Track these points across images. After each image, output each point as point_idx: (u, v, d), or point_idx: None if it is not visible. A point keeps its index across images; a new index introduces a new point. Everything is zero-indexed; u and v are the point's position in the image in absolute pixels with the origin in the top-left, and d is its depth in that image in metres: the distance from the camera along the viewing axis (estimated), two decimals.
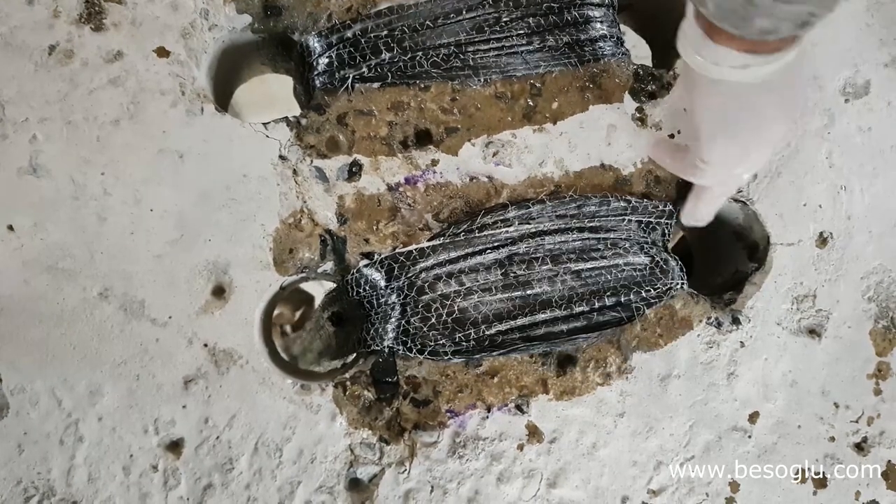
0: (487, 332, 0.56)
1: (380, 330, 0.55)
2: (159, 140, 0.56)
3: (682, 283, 0.58)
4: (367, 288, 0.56)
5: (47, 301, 0.54)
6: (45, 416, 0.53)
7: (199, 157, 0.56)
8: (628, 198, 0.58)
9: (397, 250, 0.56)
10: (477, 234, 0.56)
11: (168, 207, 0.55)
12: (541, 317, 0.56)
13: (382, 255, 0.56)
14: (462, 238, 0.56)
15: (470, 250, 0.56)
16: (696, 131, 0.48)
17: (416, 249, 0.56)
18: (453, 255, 0.56)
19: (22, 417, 0.53)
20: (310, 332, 0.58)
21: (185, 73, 0.57)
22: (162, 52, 0.57)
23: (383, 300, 0.56)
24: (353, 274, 0.56)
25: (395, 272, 0.56)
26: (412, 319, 0.56)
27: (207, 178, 0.56)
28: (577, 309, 0.57)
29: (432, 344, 0.55)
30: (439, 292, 0.56)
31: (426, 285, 0.56)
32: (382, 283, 0.56)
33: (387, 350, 0.55)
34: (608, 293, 0.57)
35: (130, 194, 0.55)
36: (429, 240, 0.56)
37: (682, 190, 0.59)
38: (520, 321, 0.56)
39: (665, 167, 0.57)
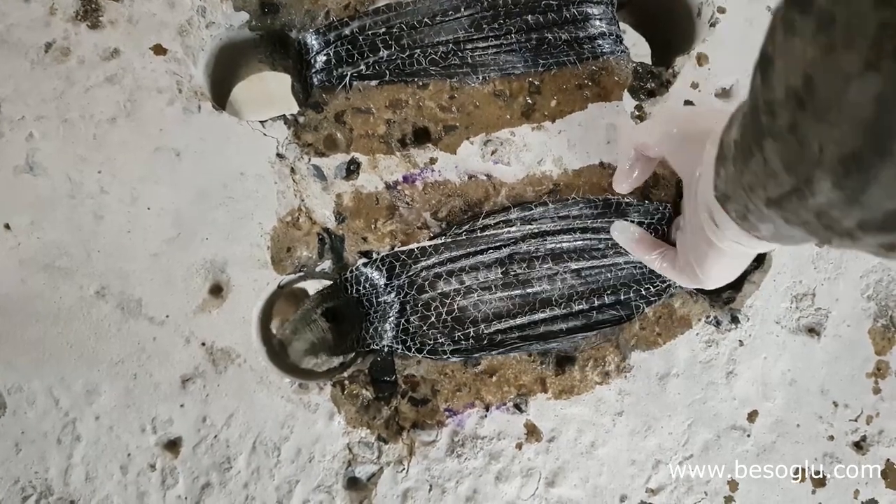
0: (486, 331, 0.56)
1: (378, 328, 0.55)
2: (156, 138, 0.56)
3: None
4: (367, 286, 0.56)
5: (44, 300, 0.54)
6: (43, 415, 0.53)
7: (196, 155, 0.56)
8: (629, 200, 0.58)
9: (397, 249, 0.56)
10: (479, 234, 0.56)
11: (165, 206, 0.55)
12: (540, 315, 0.56)
13: (382, 254, 0.56)
14: (464, 237, 0.56)
15: (472, 249, 0.56)
16: (694, 265, 0.48)
17: (417, 248, 0.56)
18: (455, 254, 0.56)
19: (19, 417, 0.53)
20: (300, 323, 0.57)
21: (182, 71, 0.57)
22: (159, 50, 0.56)
23: (382, 298, 0.56)
24: (351, 272, 0.55)
25: (396, 270, 0.55)
26: (412, 318, 0.55)
27: (204, 177, 0.56)
28: (577, 307, 0.57)
29: (431, 342, 0.55)
30: (439, 290, 0.56)
31: (426, 283, 0.56)
32: (382, 283, 0.56)
33: (385, 349, 0.55)
34: (608, 291, 0.57)
35: (127, 192, 0.55)
36: (430, 239, 0.56)
37: (682, 190, 0.59)
38: (519, 320, 0.56)
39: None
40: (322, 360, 0.58)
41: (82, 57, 0.56)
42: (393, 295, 0.56)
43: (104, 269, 0.54)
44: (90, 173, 0.55)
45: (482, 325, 0.56)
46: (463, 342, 0.55)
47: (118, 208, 0.55)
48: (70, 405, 0.53)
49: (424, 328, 0.55)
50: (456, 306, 0.56)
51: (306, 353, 0.58)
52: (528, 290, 0.56)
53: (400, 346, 0.55)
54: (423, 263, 0.56)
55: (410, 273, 0.56)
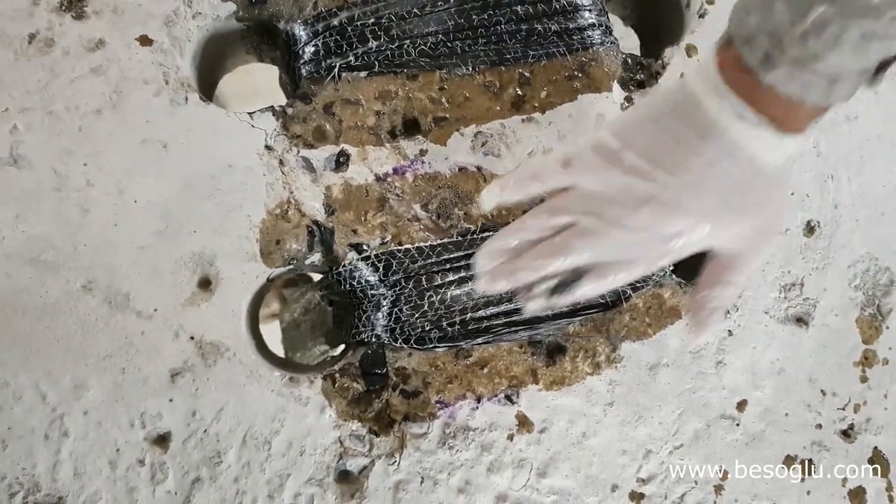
0: (473, 318, 0.56)
1: (371, 318, 0.55)
2: (143, 130, 0.55)
3: (668, 270, 0.58)
4: (363, 281, 0.55)
5: (30, 294, 0.53)
6: (30, 410, 0.53)
7: (183, 147, 0.55)
8: None
9: (395, 247, 0.55)
10: (476, 237, 0.56)
11: (152, 198, 0.55)
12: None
13: (378, 252, 0.55)
14: (462, 240, 0.56)
15: (469, 251, 0.56)
16: (685, 204, 0.37)
17: (415, 249, 0.55)
18: (451, 256, 0.56)
19: (6, 412, 0.52)
20: (299, 303, 0.57)
21: (168, 62, 0.56)
22: (145, 41, 0.56)
23: (376, 290, 0.55)
24: (345, 266, 0.55)
25: (393, 268, 0.55)
26: (404, 308, 0.55)
27: (192, 169, 0.55)
28: None
29: (419, 332, 0.55)
30: (434, 283, 0.56)
31: (423, 278, 0.56)
32: (375, 279, 0.55)
33: (375, 340, 0.55)
34: None
35: (114, 185, 0.54)
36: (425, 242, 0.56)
37: None
38: (504, 307, 0.56)
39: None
40: (322, 346, 0.57)
41: (67, 48, 0.55)
42: (385, 287, 0.55)
43: (91, 263, 0.54)
44: (76, 166, 0.54)
45: (469, 313, 0.55)
46: (448, 330, 0.55)
47: (105, 201, 0.54)
48: (57, 400, 0.53)
49: (415, 317, 0.55)
50: (449, 295, 0.55)
51: (310, 338, 0.57)
52: None
53: (388, 336, 0.55)
54: (420, 263, 0.55)
55: (408, 271, 0.55)
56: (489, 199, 0.41)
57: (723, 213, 0.36)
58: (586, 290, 0.39)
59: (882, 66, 0.33)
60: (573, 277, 0.39)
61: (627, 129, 0.38)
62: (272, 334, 0.61)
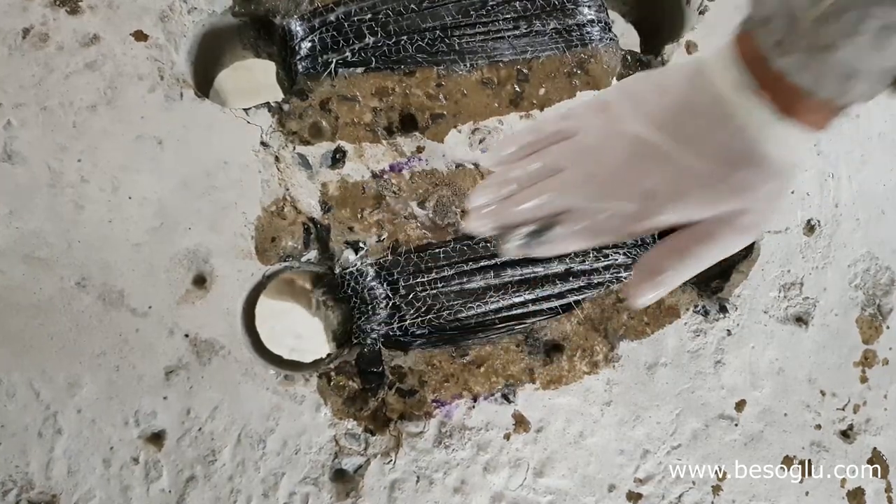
0: (465, 314, 0.55)
1: (371, 317, 0.55)
2: (137, 126, 0.55)
3: None
4: (365, 282, 0.55)
5: (24, 291, 0.53)
6: (23, 408, 0.52)
7: (178, 143, 0.55)
8: None
9: (401, 253, 0.55)
10: (475, 244, 0.56)
11: (147, 195, 0.54)
12: (516, 300, 0.56)
13: (385, 260, 0.55)
14: (464, 247, 0.56)
15: (470, 256, 0.56)
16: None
17: (419, 259, 0.55)
18: (453, 261, 0.56)
19: None
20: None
21: (163, 58, 0.55)
22: (140, 36, 0.55)
23: (377, 292, 0.55)
24: (350, 271, 0.55)
25: (396, 275, 0.55)
26: (402, 306, 0.55)
27: (187, 165, 0.55)
28: (551, 291, 0.57)
29: (413, 329, 0.55)
30: (434, 290, 0.55)
31: (428, 282, 0.55)
32: (381, 291, 0.55)
33: (374, 340, 0.55)
34: (581, 276, 0.57)
35: (108, 181, 0.54)
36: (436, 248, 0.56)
37: None
38: (494, 303, 0.56)
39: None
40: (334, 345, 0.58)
41: (61, 43, 0.54)
42: (384, 287, 0.55)
43: (85, 260, 0.53)
44: (70, 162, 0.54)
45: (460, 308, 0.55)
46: (435, 323, 0.55)
47: (99, 197, 0.54)
48: (51, 398, 0.53)
49: (410, 313, 0.55)
50: (448, 294, 0.55)
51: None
52: (505, 279, 0.56)
53: (383, 331, 0.55)
54: (425, 274, 0.55)
55: (411, 282, 0.55)
56: (490, 157, 0.41)
57: (713, 186, 0.35)
58: (558, 234, 0.38)
59: None
60: (546, 226, 0.38)
61: (631, 89, 0.37)
62: (266, 333, 0.61)
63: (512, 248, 0.40)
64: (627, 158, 0.36)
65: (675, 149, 0.35)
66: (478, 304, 0.55)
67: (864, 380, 0.61)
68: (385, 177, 0.56)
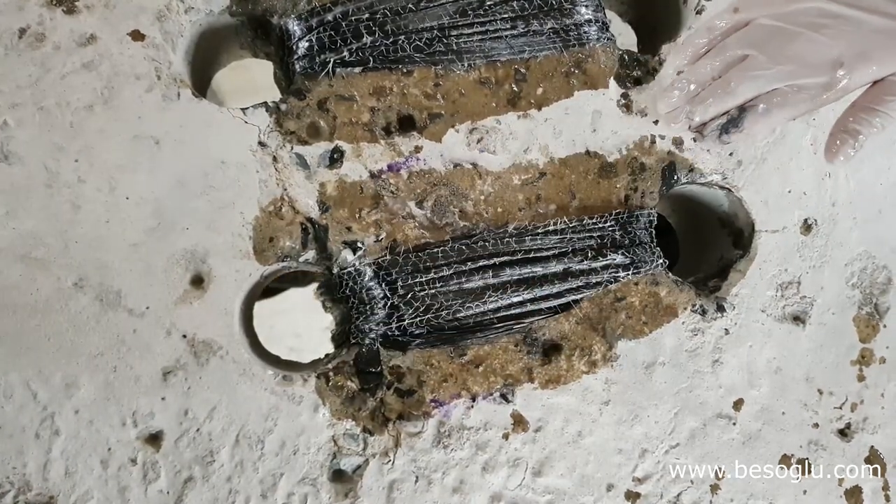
0: (464, 314, 0.55)
1: (369, 317, 0.55)
2: (134, 126, 0.54)
3: (658, 264, 0.58)
4: (364, 282, 0.55)
5: (21, 291, 0.53)
6: (20, 409, 0.52)
7: (175, 143, 0.55)
8: (618, 214, 0.57)
9: (399, 253, 0.55)
10: (474, 243, 0.56)
11: (144, 195, 0.54)
12: (515, 299, 0.56)
13: (383, 260, 0.55)
14: (463, 247, 0.56)
15: (469, 255, 0.56)
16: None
17: (417, 259, 0.55)
18: (451, 260, 0.56)
19: None
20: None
21: (160, 57, 0.55)
22: (137, 36, 0.55)
23: (375, 292, 0.55)
24: (348, 271, 0.55)
25: (394, 275, 0.55)
26: (401, 305, 0.55)
27: (185, 165, 0.55)
28: (549, 291, 0.57)
29: (411, 329, 0.55)
30: (433, 289, 0.55)
31: (426, 282, 0.55)
32: (379, 291, 0.55)
33: (369, 340, 0.55)
34: (580, 276, 0.57)
35: (105, 181, 0.54)
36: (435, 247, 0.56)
37: (668, 177, 0.58)
38: (492, 303, 0.56)
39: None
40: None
41: (58, 43, 0.54)
42: (382, 287, 0.55)
43: (82, 260, 0.53)
44: (67, 162, 0.54)
45: (458, 308, 0.55)
46: (433, 322, 0.55)
47: (96, 197, 0.54)
48: (48, 399, 0.52)
49: (409, 314, 0.55)
50: (439, 293, 0.55)
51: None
52: (503, 278, 0.56)
53: (381, 330, 0.55)
54: (423, 273, 0.55)
55: (409, 282, 0.55)
56: (671, 63, 0.46)
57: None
58: (754, 118, 0.42)
59: None
60: (740, 112, 0.43)
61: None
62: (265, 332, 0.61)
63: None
64: (810, 33, 0.38)
65: (855, 12, 0.37)
66: (476, 303, 0.56)
67: (861, 378, 0.61)
68: (383, 177, 0.56)
